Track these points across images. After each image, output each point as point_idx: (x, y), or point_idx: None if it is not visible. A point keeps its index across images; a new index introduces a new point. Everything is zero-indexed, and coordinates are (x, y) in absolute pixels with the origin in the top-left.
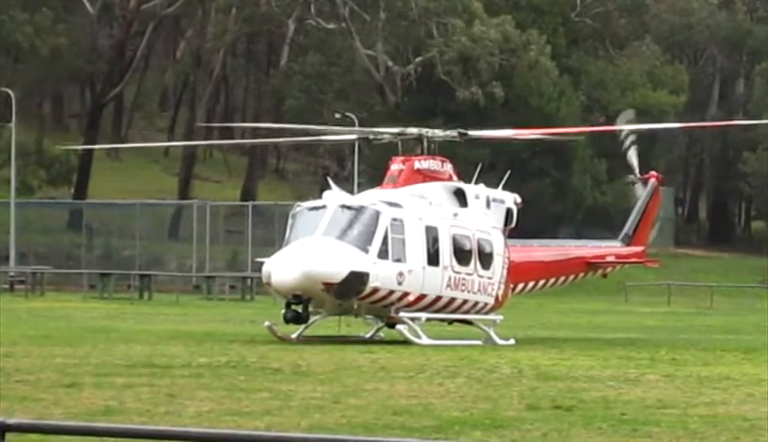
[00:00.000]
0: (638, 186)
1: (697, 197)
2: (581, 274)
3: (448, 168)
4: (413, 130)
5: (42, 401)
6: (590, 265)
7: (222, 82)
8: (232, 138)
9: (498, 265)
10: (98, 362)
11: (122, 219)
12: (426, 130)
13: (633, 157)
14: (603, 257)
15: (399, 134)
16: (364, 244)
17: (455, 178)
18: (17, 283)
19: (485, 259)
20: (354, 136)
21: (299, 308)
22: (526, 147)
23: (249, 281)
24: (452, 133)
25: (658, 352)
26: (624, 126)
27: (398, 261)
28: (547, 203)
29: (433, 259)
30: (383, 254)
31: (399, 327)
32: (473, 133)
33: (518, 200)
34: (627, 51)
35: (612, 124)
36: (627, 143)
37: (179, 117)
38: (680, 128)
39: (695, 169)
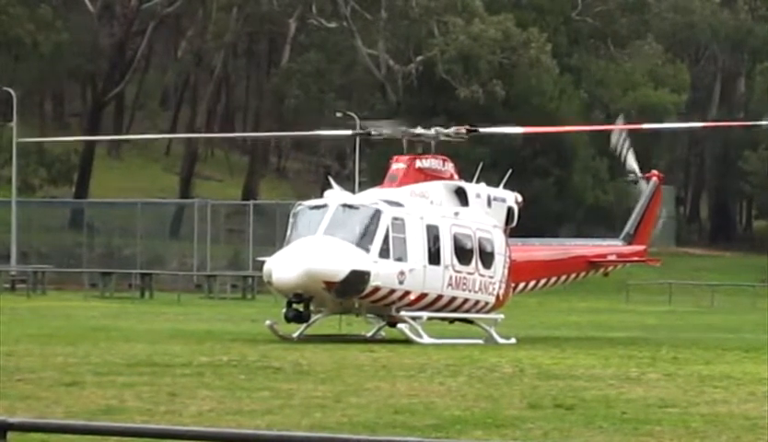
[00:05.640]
0: (641, 183)
1: (698, 196)
2: (582, 273)
3: (449, 166)
4: (421, 131)
5: (44, 400)
6: (591, 264)
7: (223, 81)
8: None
9: (499, 264)
10: (99, 361)
11: (123, 218)
12: (434, 130)
13: (631, 161)
14: (604, 256)
15: (412, 135)
16: (365, 243)
17: (456, 176)
18: (18, 282)
19: (486, 258)
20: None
21: (300, 307)
22: (527, 146)
23: (250, 280)
24: (461, 130)
25: (659, 351)
26: (617, 133)
27: (399, 260)
28: (548, 202)
29: (434, 258)
30: (384, 253)
31: (400, 326)
32: (482, 129)
33: (519, 199)
34: (628, 49)
35: (614, 122)
36: (623, 149)
37: (180, 116)
38: (682, 128)
39: (696, 168)
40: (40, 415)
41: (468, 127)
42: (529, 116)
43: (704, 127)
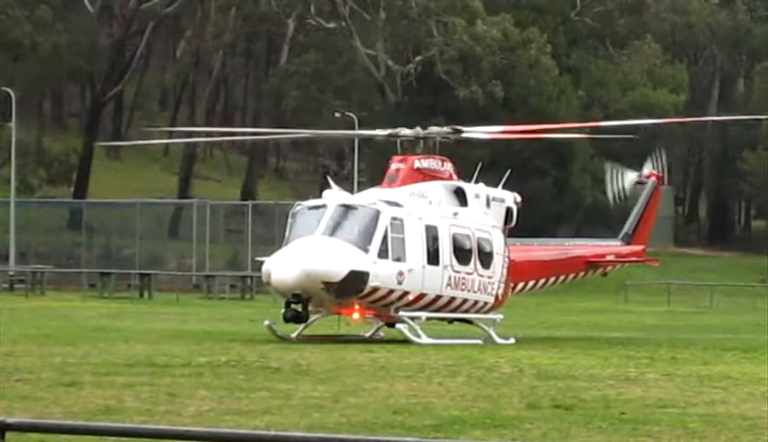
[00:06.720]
0: (626, 180)
1: (697, 196)
2: (581, 273)
3: (448, 167)
4: (407, 131)
5: (42, 401)
6: (590, 264)
7: (222, 81)
8: (232, 137)
9: (498, 264)
10: (97, 361)
11: (121, 218)
12: (425, 131)
13: (629, 178)
14: (603, 256)
15: (391, 135)
16: (364, 243)
17: (455, 177)
18: (16, 282)
19: (485, 258)
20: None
21: (299, 308)
22: (526, 146)
23: (249, 280)
24: (446, 130)
25: (658, 351)
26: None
27: (398, 260)
28: (547, 202)
29: (433, 258)
30: (383, 253)
31: (399, 326)
32: (468, 129)
33: (518, 199)
34: (627, 50)
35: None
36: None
37: (179, 116)
38: (681, 125)
39: (695, 168)
40: (39, 415)
41: (454, 127)
42: (528, 117)
43: (700, 122)
